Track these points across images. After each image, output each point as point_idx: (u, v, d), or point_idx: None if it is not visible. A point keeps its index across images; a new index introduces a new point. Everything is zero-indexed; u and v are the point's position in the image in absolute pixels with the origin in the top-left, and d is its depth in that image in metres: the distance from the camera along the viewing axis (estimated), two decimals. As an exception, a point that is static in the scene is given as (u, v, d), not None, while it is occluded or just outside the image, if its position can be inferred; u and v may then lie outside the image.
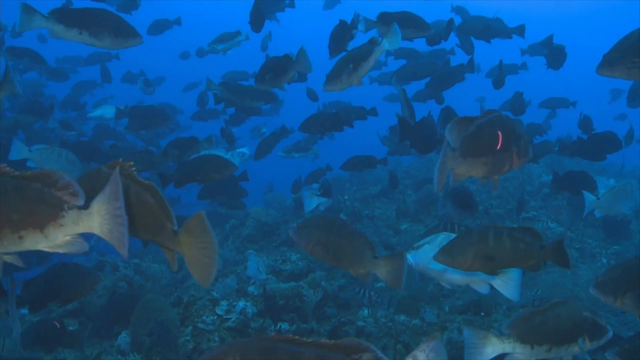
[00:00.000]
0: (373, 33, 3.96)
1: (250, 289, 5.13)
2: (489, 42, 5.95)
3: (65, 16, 3.11)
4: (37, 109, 6.28)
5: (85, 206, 1.77)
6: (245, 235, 7.30)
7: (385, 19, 3.90)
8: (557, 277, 5.38)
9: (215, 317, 4.14)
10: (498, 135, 2.17)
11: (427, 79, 5.88)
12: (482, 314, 4.77)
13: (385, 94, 10.11)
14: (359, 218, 7.31)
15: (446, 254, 2.65)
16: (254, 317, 4.28)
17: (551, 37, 6.35)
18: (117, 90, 9.17)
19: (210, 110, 7.85)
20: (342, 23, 4.68)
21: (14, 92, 3.27)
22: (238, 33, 6.92)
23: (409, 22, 3.98)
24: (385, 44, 3.70)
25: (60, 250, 1.81)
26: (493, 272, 2.73)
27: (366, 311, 5.40)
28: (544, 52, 6.30)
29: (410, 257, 3.28)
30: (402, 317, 5.07)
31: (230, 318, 4.12)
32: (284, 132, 6.94)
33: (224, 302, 4.27)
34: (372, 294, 5.37)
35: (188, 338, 4.01)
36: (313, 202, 5.80)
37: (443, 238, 3.28)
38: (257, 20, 5.05)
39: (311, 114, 5.50)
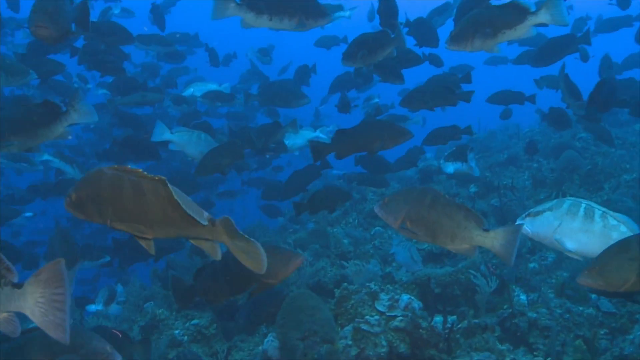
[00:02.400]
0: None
1: (398, 275, 4.62)
2: None
3: (255, 3, 3.01)
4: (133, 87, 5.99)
5: (19, 285, 1.72)
6: (368, 211, 6.79)
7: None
8: None
9: (379, 316, 3.58)
10: None
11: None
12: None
13: (486, 57, 9.13)
14: (492, 189, 6.62)
15: (596, 274, 2.10)
16: (420, 311, 3.68)
17: None
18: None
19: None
20: None
21: (89, 119, 3.14)
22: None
23: None
24: (543, 16, 3.04)
25: None
26: None
27: (523, 296, 4.79)
28: None
29: (527, 225, 2.81)
30: (568, 305, 4.42)
31: (396, 315, 3.55)
32: (379, 112, 6.43)
33: (383, 296, 3.70)
34: (489, 265, 4.83)
35: (349, 342, 3.46)
36: (448, 167, 5.36)
37: (571, 204, 2.76)
38: (391, 17, 4.50)
39: (415, 87, 4.91)
